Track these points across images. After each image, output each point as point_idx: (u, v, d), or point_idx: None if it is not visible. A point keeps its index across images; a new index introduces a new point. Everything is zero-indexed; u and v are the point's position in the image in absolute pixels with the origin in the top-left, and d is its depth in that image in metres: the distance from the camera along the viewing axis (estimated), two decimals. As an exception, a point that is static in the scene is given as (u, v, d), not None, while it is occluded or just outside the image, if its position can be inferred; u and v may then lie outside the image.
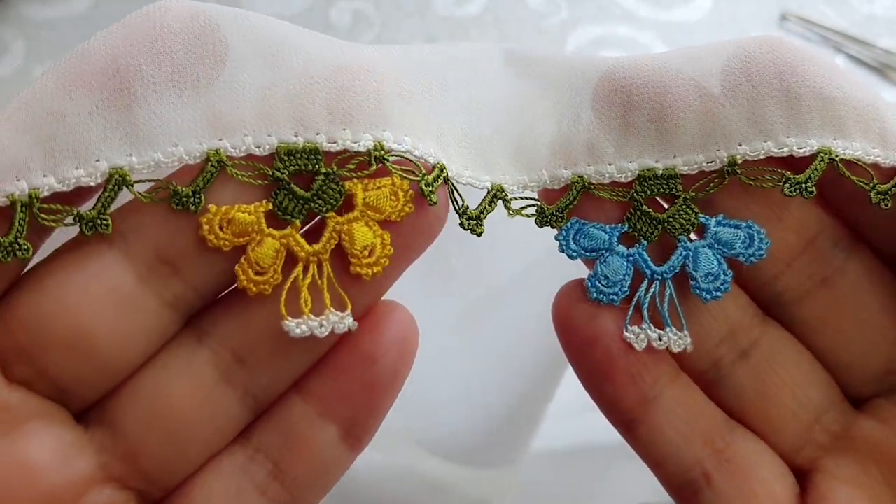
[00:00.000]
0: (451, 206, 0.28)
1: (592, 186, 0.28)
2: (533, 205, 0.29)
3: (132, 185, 0.25)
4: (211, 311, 0.27)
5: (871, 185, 0.27)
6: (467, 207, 0.28)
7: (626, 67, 0.27)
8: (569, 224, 0.28)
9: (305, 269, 0.26)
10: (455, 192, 0.27)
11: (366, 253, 0.26)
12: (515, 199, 0.29)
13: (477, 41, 0.65)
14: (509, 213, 0.28)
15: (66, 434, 0.26)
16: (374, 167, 0.26)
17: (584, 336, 0.28)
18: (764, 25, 0.66)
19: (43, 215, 0.24)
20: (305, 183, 0.26)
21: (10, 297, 0.25)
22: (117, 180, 0.24)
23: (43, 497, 0.25)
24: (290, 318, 0.25)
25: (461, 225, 0.28)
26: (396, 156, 0.26)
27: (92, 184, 0.24)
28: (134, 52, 0.24)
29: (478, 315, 0.51)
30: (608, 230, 0.28)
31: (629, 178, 0.28)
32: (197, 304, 0.26)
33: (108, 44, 0.24)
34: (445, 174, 0.27)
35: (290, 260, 0.26)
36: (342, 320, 0.26)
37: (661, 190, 0.28)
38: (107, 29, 0.25)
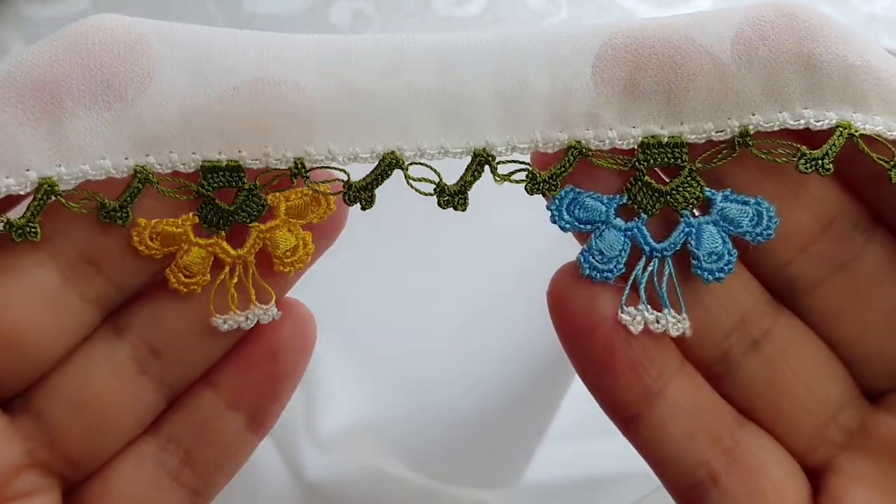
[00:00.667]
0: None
1: (591, 153, 0.26)
2: (523, 170, 0.27)
3: (61, 195, 0.26)
4: (129, 307, 0.28)
5: (893, 162, 0.26)
6: (444, 185, 0.27)
7: (633, 28, 0.26)
8: (562, 193, 0.27)
9: (232, 272, 0.27)
10: (411, 180, 0.26)
11: (288, 254, 0.27)
12: (503, 162, 0.27)
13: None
14: (496, 180, 0.27)
15: None
16: (295, 183, 0.27)
17: (581, 323, 0.27)
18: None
19: None
20: (230, 196, 0.27)
21: None
22: (46, 190, 0.25)
23: None
24: (217, 315, 0.27)
25: (439, 204, 0.27)
26: (321, 168, 0.27)
27: (21, 192, 0.25)
28: (65, 66, 0.25)
29: (480, 320, 0.51)
30: (605, 201, 0.27)
31: (631, 146, 0.26)
32: (118, 301, 0.28)
33: (39, 57, 0.25)
34: (390, 165, 0.26)
35: (219, 263, 0.28)
36: (266, 312, 0.28)
37: (666, 159, 0.26)
38: (39, 43, 0.26)
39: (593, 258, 0.26)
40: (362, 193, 0.27)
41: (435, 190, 0.27)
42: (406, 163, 0.26)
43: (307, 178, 0.26)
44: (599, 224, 0.27)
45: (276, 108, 0.26)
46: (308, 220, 0.27)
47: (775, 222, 0.26)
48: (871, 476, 0.27)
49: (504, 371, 0.50)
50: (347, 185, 0.27)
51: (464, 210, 0.27)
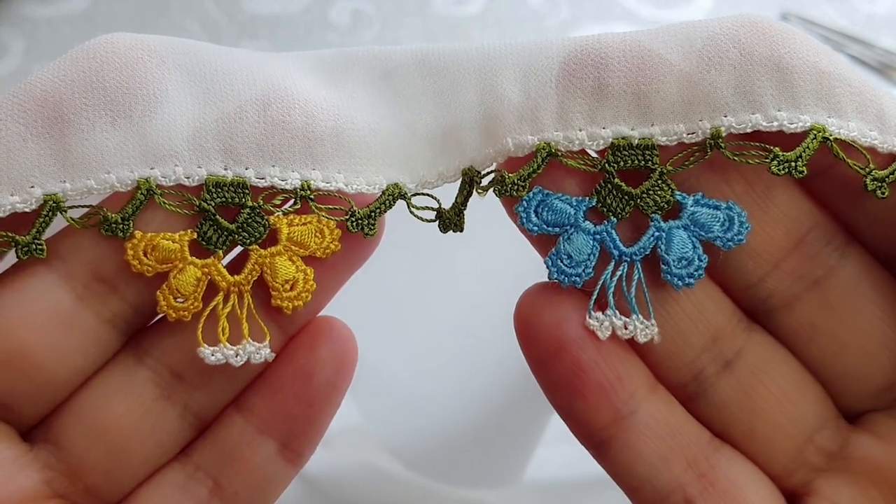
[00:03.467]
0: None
1: (560, 153, 0.26)
2: (494, 173, 0.27)
3: (66, 211, 0.26)
4: (151, 330, 0.27)
5: (868, 169, 0.25)
6: (443, 211, 0.27)
7: (600, 38, 0.26)
8: (530, 194, 0.26)
9: (226, 299, 0.26)
10: (413, 208, 0.27)
11: (287, 287, 0.26)
12: (485, 175, 0.27)
13: (477, 41, 0.65)
14: (478, 192, 0.27)
15: (10, 451, 0.26)
16: (299, 205, 0.26)
17: (549, 344, 0.26)
18: (765, 25, 0.65)
19: None
20: (231, 215, 0.26)
21: None
22: (51, 206, 0.25)
23: None
24: (205, 346, 0.26)
25: (440, 228, 0.27)
26: (326, 193, 0.26)
27: (27, 210, 0.25)
28: (69, 83, 0.25)
29: (479, 321, 0.51)
30: (574, 203, 0.26)
31: (601, 147, 0.26)
32: (136, 321, 0.27)
33: (46, 76, 0.25)
34: (393, 196, 0.27)
35: (215, 288, 0.26)
36: (258, 351, 0.26)
37: (636, 162, 0.26)
38: (48, 63, 0.26)
39: (561, 262, 0.26)
40: (365, 221, 0.27)
41: (436, 217, 0.27)
42: (409, 194, 0.27)
43: (313, 200, 0.26)
44: (568, 227, 0.26)
45: (284, 130, 0.26)
46: (311, 252, 0.26)
47: (746, 227, 0.26)
48: (851, 500, 0.26)
49: (503, 371, 0.50)
50: (351, 212, 0.27)
51: (461, 231, 0.27)
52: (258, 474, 0.27)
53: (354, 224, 0.27)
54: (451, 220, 0.27)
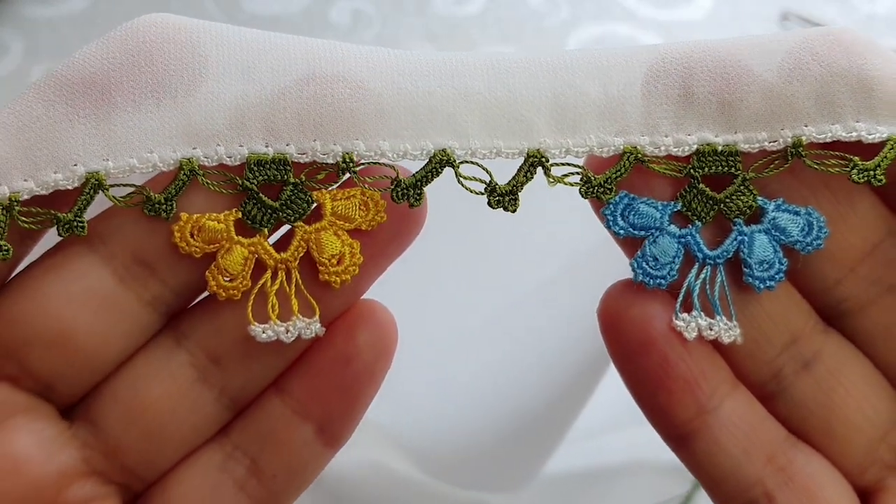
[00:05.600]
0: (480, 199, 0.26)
1: (646, 158, 0.26)
2: (576, 173, 0.27)
3: (108, 190, 0.26)
4: (190, 313, 0.27)
5: None
6: (495, 185, 0.26)
7: (682, 46, 0.26)
8: (617, 198, 0.26)
9: (274, 276, 0.26)
10: (461, 177, 0.26)
11: (334, 261, 0.26)
12: (556, 165, 0.27)
13: (477, 41, 0.65)
14: (549, 182, 0.26)
15: (51, 429, 0.27)
16: (343, 179, 0.26)
17: (636, 339, 0.26)
18: (764, 25, 0.65)
19: (22, 218, 0.25)
20: (275, 192, 0.26)
21: None
22: (93, 184, 0.25)
23: (27, 489, 0.26)
24: (256, 324, 0.26)
25: (489, 204, 0.27)
26: (370, 163, 0.26)
27: (69, 187, 0.25)
28: (116, 63, 0.25)
29: (508, 318, 0.50)
30: (660, 207, 0.27)
31: (686, 153, 0.26)
32: (176, 304, 0.27)
33: (91, 55, 0.25)
34: (441, 162, 0.26)
35: (262, 266, 0.26)
36: (308, 326, 0.26)
37: (720, 168, 0.26)
38: (91, 42, 0.26)
39: (647, 264, 0.26)
40: (411, 191, 0.26)
41: (485, 189, 0.27)
42: (457, 161, 0.26)
43: (355, 173, 0.26)
44: (654, 230, 0.27)
45: (326, 103, 0.26)
46: (356, 225, 0.26)
47: (825, 232, 0.26)
48: None
49: (524, 375, 0.49)
50: (396, 181, 0.26)
51: (514, 211, 0.26)
52: (296, 456, 0.28)
53: (399, 194, 0.26)
54: (504, 195, 0.26)
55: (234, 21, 0.64)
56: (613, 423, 0.50)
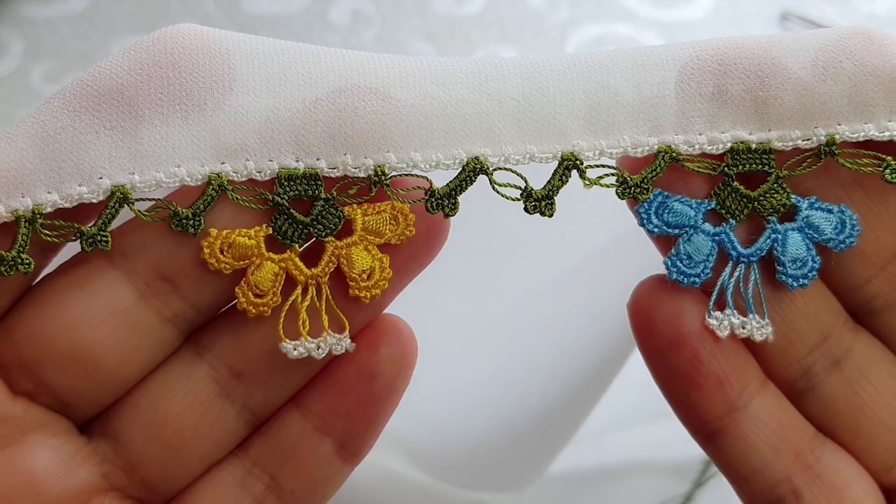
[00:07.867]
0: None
1: (681, 157, 0.26)
2: (612, 174, 0.27)
3: (133, 203, 0.25)
4: (211, 327, 0.27)
5: None
6: (531, 190, 0.26)
7: (715, 43, 0.26)
8: (652, 197, 0.26)
9: (304, 292, 0.26)
10: (495, 184, 0.26)
11: (364, 276, 0.26)
12: (591, 167, 0.26)
13: (477, 41, 0.65)
14: (585, 184, 0.26)
15: (69, 444, 0.26)
16: (374, 192, 0.26)
17: (667, 335, 0.27)
18: (765, 25, 0.65)
19: (45, 231, 0.25)
20: (305, 207, 0.26)
21: (15, 312, 0.26)
22: (118, 198, 0.25)
23: None
24: (287, 341, 0.26)
25: (525, 210, 0.26)
26: (401, 175, 0.26)
27: (94, 200, 0.25)
28: (143, 74, 0.25)
29: (516, 320, 0.49)
30: (694, 206, 0.27)
31: (720, 151, 0.27)
32: (197, 320, 0.27)
33: (117, 66, 0.25)
34: (475, 170, 0.26)
35: (291, 282, 0.26)
36: (339, 342, 0.26)
37: (754, 166, 0.26)
38: (118, 52, 0.25)
39: (681, 262, 0.27)
40: (446, 201, 0.26)
41: (522, 195, 0.26)
42: (491, 168, 0.26)
43: (388, 185, 0.26)
44: (688, 228, 0.27)
45: (357, 116, 0.25)
46: (386, 240, 0.26)
47: (858, 230, 0.26)
48: None
49: (533, 376, 0.49)
50: (430, 192, 0.26)
51: (551, 216, 0.26)
52: (315, 473, 0.27)
53: (434, 204, 0.26)
54: (541, 200, 0.26)
55: (233, 21, 0.64)
56: (615, 423, 0.50)
